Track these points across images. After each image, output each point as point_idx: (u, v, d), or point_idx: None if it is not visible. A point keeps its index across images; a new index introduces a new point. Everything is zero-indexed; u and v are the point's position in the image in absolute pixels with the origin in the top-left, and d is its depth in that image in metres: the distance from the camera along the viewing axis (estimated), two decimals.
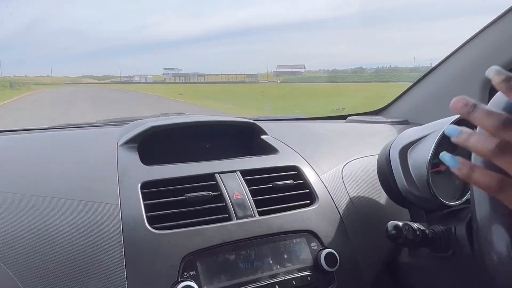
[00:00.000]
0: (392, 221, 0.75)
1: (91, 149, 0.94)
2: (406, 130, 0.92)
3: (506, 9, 1.13)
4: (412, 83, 1.54)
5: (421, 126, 0.90)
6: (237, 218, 0.80)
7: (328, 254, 0.80)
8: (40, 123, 1.34)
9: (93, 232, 0.70)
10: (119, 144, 0.92)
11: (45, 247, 0.67)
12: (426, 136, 0.85)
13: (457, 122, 0.83)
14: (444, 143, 0.93)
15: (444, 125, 0.85)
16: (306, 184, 0.92)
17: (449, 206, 0.84)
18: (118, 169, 0.83)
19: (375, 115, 1.62)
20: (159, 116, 1.48)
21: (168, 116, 1.46)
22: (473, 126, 0.45)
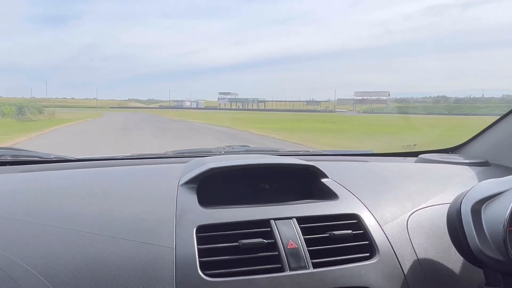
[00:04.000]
0: None
1: (155, 187, 0.98)
2: (481, 182, 0.83)
3: None
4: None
5: (499, 179, 0.81)
6: (290, 270, 0.78)
7: None
8: None
9: (147, 275, 0.72)
10: (180, 184, 0.95)
11: (100, 274, 0.71)
12: (504, 191, 0.77)
13: None
14: None
15: None
16: (366, 235, 0.87)
17: None
18: (177, 210, 0.85)
19: (450, 153, 1.51)
20: (224, 148, 1.52)
21: (232, 149, 1.49)
22: None
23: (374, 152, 1.59)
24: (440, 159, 1.35)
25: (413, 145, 1.61)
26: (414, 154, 1.50)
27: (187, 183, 0.95)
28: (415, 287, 0.82)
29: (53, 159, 1.25)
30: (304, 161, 1.07)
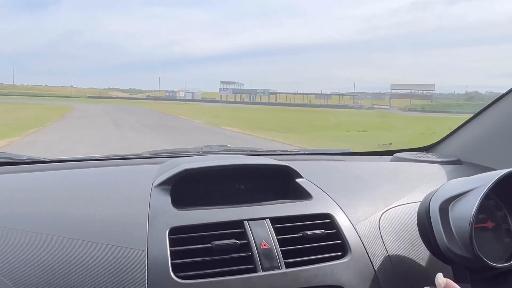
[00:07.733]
0: (426, 287, 0.69)
1: (129, 188, 0.98)
2: (450, 181, 0.85)
3: None
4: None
5: (467, 178, 0.83)
6: (263, 270, 0.78)
7: None
8: None
9: (118, 278, 0.72)
10: (153, 185, 0.94)
11: (71, 278, 0.70)
12: (471, 190, 0.79)
13: (497, 184, 0.76)
14: (491, 197, 0.85)
15: (492, 178, 0.78)
16: (338, 234, 0.88)
17: (496, 268, 0.76)
18: (149, 212, 0.85)
19: (425, 151, 1.54)
20: (201, 148, 1.51)
21: (210, 149, 1.49)
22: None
23: (351, 151, 1.61)
24: (413, 158, 1.38)
25: (389, 143, 1.64)
26: (390, 152, 1.52)
27: (161, 184, 0.94)
28: (386, 284, 0.84)
29: (26, 160, 1.23)
30: (279, 161, 1.08)
